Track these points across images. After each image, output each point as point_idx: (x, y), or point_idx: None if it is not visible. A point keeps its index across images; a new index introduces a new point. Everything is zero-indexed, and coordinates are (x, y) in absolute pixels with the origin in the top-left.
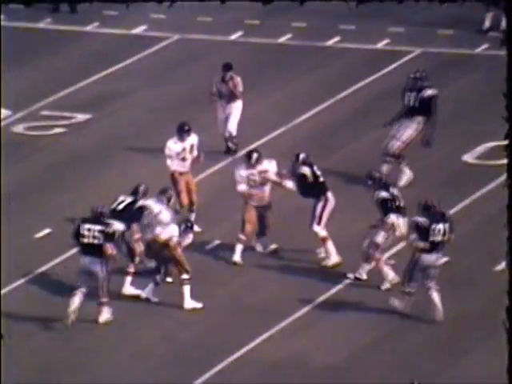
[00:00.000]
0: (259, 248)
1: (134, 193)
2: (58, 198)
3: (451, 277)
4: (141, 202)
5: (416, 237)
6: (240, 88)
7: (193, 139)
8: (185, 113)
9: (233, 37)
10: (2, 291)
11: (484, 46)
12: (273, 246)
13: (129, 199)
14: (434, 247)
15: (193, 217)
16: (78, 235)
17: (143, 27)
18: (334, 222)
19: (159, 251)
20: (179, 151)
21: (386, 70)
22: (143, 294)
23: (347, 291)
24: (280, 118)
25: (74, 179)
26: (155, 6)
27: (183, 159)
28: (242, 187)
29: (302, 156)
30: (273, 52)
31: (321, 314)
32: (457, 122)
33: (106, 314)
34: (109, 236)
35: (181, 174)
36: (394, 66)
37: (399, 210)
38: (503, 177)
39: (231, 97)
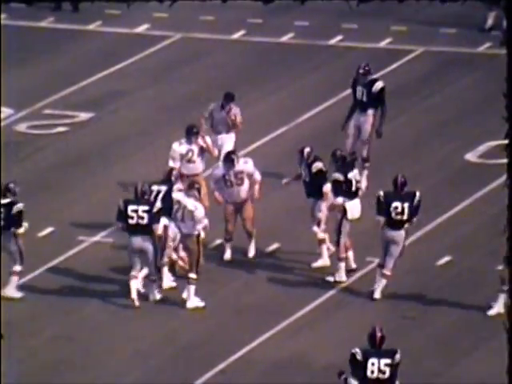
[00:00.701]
0: (250, 254)
1: (167, 180)
2: (61, 196)
3: (453, 276)
4: (175, 197)
5: (377, 212)
6: (239, 119)
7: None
8: (187, 112)
9: (235, 36)
10: (4, 290)
11: (486, 45)
12: (274, 246)
13: (163, 188)
14: (393, 223)
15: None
16: (125, 216)
17: (146, 26)
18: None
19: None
20: (183, 153)
21: (388, 69)
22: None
23: (349, 291)
24: (283, 116)
25: (76, 178)
26: (157, 5)
27: (189, 161)
28: (212, 185)
29: (307, 150)
30: (275, 51)
31: (322, 314)
32: (459, 120)
33: (156, 294)
34: (155, 215)
35: (187, 176)
36: (396, 64)
37: (349, 194)
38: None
39: (227, 127)
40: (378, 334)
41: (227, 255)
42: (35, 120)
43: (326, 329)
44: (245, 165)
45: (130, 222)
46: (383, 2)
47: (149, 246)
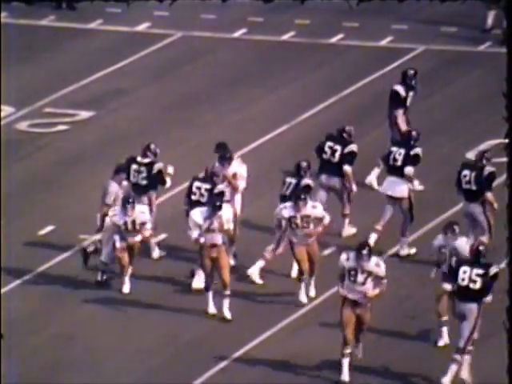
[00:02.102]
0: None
1: (210, 178)
2: (62, 195)
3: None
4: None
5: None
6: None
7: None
8: (188, 110)
9: (236, 34)
10: (5, 289)
11: (487, 44)
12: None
13: (207, 186)
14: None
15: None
16: (189, 193)
17: (146, 24)
18: (335, 220)
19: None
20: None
21: (389, 68)
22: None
23: None
24: (284, 115)
25: (77, 176)
26: (158, 3)
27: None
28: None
29: (304, 165)
30: (276, 49)
31: (325, 312)
32: (460, 119)
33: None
34: (217, 195)
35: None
36: (397, 63)
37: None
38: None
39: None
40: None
41: (306, 295)
42: (36, 118)
43: (327, 328)
44: (313, 209)
45: (193, 197)
46: (383, 1)
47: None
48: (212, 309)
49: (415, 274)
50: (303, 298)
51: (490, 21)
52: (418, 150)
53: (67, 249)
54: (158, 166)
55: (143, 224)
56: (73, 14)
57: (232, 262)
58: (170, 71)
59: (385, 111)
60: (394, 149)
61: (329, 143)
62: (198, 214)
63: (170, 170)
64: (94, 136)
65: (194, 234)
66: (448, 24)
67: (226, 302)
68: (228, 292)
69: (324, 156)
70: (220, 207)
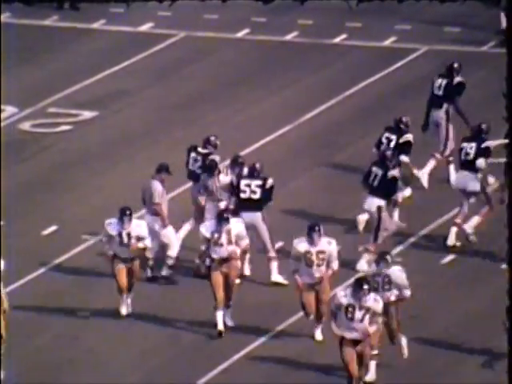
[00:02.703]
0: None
1: (254, 172)
2: (65, 195)
3: (458, 274)
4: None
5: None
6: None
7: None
8: (191, 111)
9: (239, 34)
10: (9, 288)
11: (491, 44)
12: (277, 245)
13: (257, 182)
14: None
15: None
16: (238, 192)
17: (149, 25)
18: (340, 221)
19: None
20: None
21: (392, 68)
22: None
23: None
24: (286, 115)
25: (80, 176)
26: (160, 4)
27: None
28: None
29: (258, 165)
30: (279, 50)
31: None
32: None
33: (275, 274)
34: (267, 190)
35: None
36: (400, 63)
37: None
38: None
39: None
40: None
41: (318, 335)
42: (39, 118)
43: (330, 328)
44: (328, 245)
45: (242, 196)
46: (383, 1)
47: (259, 221)
48: (221, 326)
49: (417, 275)
50: (318, 336)
51: (504, 22)
52: (489, 143)
53: (70, 249)
54: (212, 157)
55: (140, 239)
56: (76, 15)
57: (247, 272)
58: (172, 71)
59: (389, 111)
60: (465, 144)
61: (386, 134)
62: (205, 228)
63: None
64: (98, 136)
65: (202, 247)
66: (451, 24)
67: (229, 313)
68: (230, 303)
69: (381, 147)
70: (227, 220)
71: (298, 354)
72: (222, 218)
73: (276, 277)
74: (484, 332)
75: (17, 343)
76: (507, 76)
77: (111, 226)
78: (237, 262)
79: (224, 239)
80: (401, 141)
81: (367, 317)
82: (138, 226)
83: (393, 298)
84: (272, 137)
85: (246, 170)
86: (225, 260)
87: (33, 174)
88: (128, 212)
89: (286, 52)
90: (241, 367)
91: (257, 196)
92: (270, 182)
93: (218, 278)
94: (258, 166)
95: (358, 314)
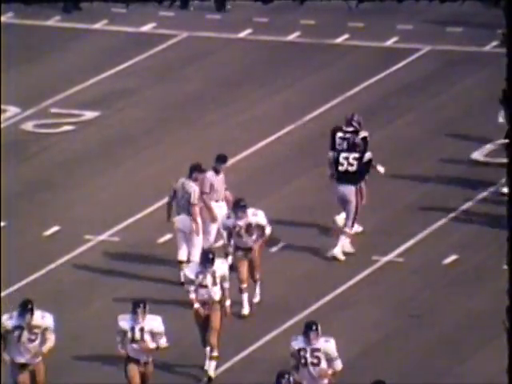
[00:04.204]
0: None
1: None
2: (67, 195)
3: (460, 274)
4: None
5: None
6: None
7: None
8: (193, 111)
9: (241, 34)
10: (11, 289)
11: (493, 44)
12: (279, 245)
13: (355, 155)
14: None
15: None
16: (336, 164)
17: (152, 25)
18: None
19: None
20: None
21: (394, 68)
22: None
23: (356, 289)
24: (288, 115)
25: (82, 177)
26: (164, 3)
27: (238, 236)
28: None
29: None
30: (281, 50)
31: (329, 312)
32: (466, 119)
33: (344, 246)
34: (364, 164)
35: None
36: (402, 63)
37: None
38: None
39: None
40: None
41: (245, 310)
42: (42, 119)
43: (333, 327)
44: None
45: (340, 168)
46: (382, 2)
47: (352, 195)
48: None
49: (419, 275)
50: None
51: None
52: None
53: (72, 249)
54: (362, 134)
55: (156, 334)
56: (78, 15)
57: (246, 311)
58: (174, 71)
59: (391, 111)
60: None
61: (339, 134)
62: (189, 270)
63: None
64: (100, 136)
65: (190, 288)
66: (453, 24)
67: (213, 364)
68: (215, 354)
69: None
70: (212, 261)
71: None
72: (206, 260)
73: (337, 251)
74: (484, 332)
75: None
76: (507, 76)
77: (124, 320)
78: (218, 305)
79: (209, 281)
80: (357, 140)
81: (323, 361)
82: (153, 320)
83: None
84: (274, 137)
85: (345, 144)
86: (206, 302)
87: (35, 174)
88: (141, 305)
89: (288, 52)
90: (244, 367)
91: (353, 168)
92: (367, 155)
93: (200, 319)
94: (357, 140)
95: (312, 359)
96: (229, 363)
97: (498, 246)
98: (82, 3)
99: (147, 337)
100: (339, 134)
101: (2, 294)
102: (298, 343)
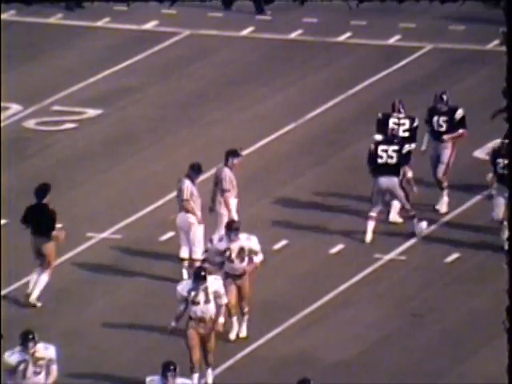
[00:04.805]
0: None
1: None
2: (69, 193)
3: (462, 273)
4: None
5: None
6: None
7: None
8: (195, 108)
9: (244, 32)
10: (12, 286)
11: (496, 42)
12: (281, 243)
13: (394, 147)
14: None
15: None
16: (375, 156)
17: (154, 23)
18: (345, 220)
19: None
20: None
21: (397, 66)
22: None
23: (358, 287)
24: (291, 113)
25: (84, 174)
26: (166, 2)
27: (228, 260)
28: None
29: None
30: (284, 48)
31: (331, 311)
32: (468, 117)
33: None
34: (404, 156)
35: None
36: (405, 61)
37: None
38: None
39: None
40: None
41: (232, 335)
42: (44, 116)
43: (334, 326)
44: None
45: (379, 161)
46: (383, 2)
47: (396, 186)
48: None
49: (421, 274)
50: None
51: None
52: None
53: (75, 247)
54: (416, 120)
55: None
56: (81, 13)
57: (244, 334)
58: (177, 69)
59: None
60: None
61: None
62: (181, 287)
63: None
64: (102, 134)
65: (181, 307)
66: (456, 22)
67: (210, 377)
68: (210, 371)
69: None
70: (204, 278)
71: (303, 351)
72: (198, 277)
73: (395, 216)
74: (491, 330)
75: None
76: (507, 76)
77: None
78: (212, 322)
79: (201, 297)
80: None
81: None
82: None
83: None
84: (276, 135)
85: (379, 137)
86: (201, 320)
87: (37, 171)
88: (172, 367)
89: (291, 50)
90: (246, 364)
91: (394, 161)
92: (406, 146)
93: (194, 337)
94: (394, 131)
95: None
96: (230, 361)
97: (501, 245)
98: (85, 2)
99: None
100: (393, 120)
101: (3, 292)
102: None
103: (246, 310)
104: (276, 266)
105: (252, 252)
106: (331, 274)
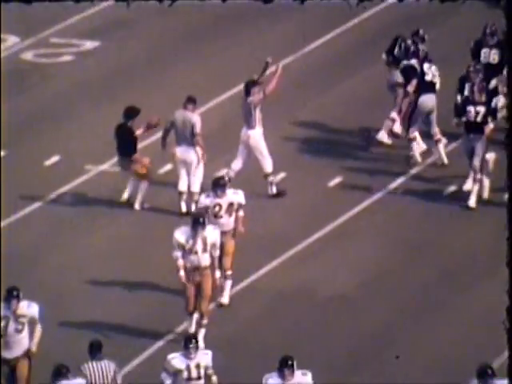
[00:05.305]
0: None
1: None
2: (67, 125)
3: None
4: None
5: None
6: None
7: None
8: (194, 44)
9: None
10: (11, 219)
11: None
12: (281, 175)
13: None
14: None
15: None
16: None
17: None
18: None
19: None
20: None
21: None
22: None
23: (357, 219)
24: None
25: (82, 107)
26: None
27: (216, 216)
28: None
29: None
30: None
31: (329, 243)
32: None
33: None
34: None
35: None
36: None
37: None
38: None
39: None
40: None
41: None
42: (41, 48)
43: (332, 259)
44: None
45: (427, 78)
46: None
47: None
48: (194, 329)
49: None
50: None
51: None
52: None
53: (73, 179)
54: (423, 48)
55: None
56: None
57: (225, 300)
58: (176, 4)
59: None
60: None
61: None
62: (180, 233)
63: None
64: (100, 66)
65: (177, 254)
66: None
67: (202, 332)
68: (205, 321)
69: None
70: (203, 225)
71: (300, 284)
72: (197, 223)
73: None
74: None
75: (19, 273)
76: (507, 76)
77: (176, 359)
78: (209, 271)
79: (199, 247)
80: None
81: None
82: (206, 354)
83: None
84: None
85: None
86: (198, 268)
87: (35, 104)
88: (194, 341)
89: None
90: (243, 297)
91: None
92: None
93: (190, 288)
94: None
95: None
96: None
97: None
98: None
99: (203, 380)
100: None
101: (3, 223)
102: (273, 381)
103: (229, 273)
104: (273, 199)
105: (240, 206)
106: (330, 205)
